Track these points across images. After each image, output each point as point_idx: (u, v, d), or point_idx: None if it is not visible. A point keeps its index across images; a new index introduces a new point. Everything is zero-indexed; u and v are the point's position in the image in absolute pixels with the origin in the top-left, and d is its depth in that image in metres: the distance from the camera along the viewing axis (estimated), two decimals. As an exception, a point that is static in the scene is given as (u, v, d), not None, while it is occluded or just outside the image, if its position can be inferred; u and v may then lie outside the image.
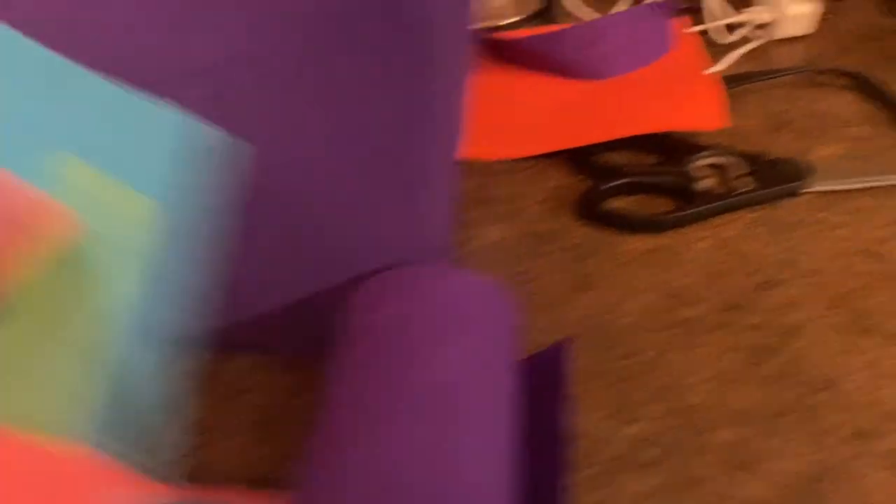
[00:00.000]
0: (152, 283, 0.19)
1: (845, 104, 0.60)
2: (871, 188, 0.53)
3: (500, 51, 0.64)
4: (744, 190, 0.52)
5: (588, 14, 0.71)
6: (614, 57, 0.59)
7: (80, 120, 0.17)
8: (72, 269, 0.15)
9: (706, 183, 0.53)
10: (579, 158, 0.55)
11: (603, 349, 0.44)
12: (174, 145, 0.20)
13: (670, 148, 0.55)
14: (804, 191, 0.52)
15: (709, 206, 0.51)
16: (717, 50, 0.67)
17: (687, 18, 0.67)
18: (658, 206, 0.53)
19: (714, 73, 0.60)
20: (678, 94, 0.56)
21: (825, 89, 0.62)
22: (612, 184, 0.52)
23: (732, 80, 0.61)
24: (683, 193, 0.52)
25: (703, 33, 0.68)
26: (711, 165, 0.55)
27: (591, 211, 0.51)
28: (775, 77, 0.63)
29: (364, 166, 0.36)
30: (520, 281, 0.48)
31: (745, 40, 0.68)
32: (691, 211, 0.50)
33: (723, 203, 0.51)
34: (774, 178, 0.52)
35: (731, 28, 0.69)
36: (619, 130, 0.54)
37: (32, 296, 0.14)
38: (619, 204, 0.53)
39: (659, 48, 0.62)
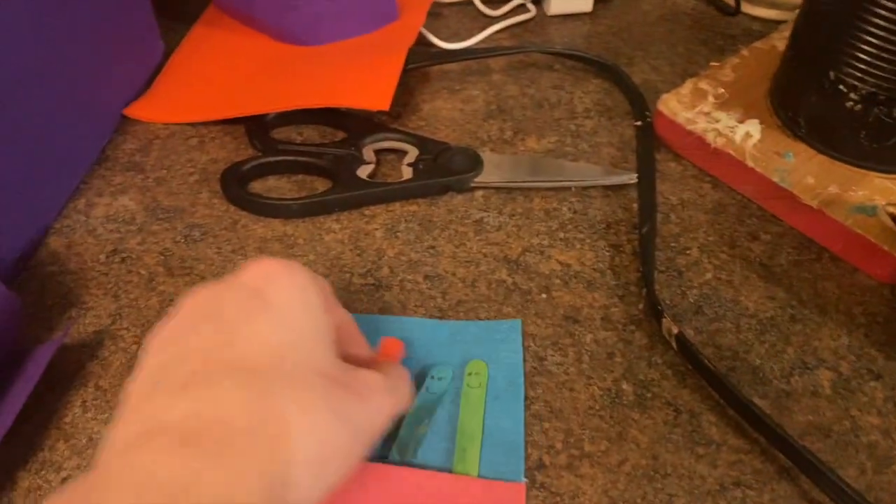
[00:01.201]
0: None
1: (584, 93, 0.54)
2: (549, 190, 0.47)
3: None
4: (402, 180, 0.46)
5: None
6: (317, 23, 0.53)
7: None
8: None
9: (368, 168, 0.47)
10: (257, 131, 0.50)
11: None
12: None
13: (356, 127, 0.50)
14: (471, 185, 0.47)
15: (351, 193, 0.45)
16: (484, 22, 0.61)
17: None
18: (316, 188, 0.47)
19: (400, 53, 0.52)
20: (355, 70, 0.50)
21: (574, 75, 0.56)
22: (259, 161, 0.47)
23: (457, 54, 0.55)
24: (341, 177, 0.46)
25: (470, 4, 0.62)
26: (389, 150, 0.49)
27: (229, 189, 0.46)
28: (502, 55, 0.56)
29: None
30: (114, 265, 0.43)
31: (517, 12, 0.62)
32: (327, 198, 0.45)
33: (367, 192, 0.45)
34: (442, 169, 0.47)
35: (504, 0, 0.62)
36: (293, 101, 0.49)
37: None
38: (274, 184, 0.48)
39: (373, 20, 0.55)
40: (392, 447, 0.34)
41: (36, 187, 0.44)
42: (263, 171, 0.48)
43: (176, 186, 0.47)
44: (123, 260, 0.43)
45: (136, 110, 0.51)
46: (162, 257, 0.43)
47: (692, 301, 0.41)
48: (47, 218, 0.44)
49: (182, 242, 0.44)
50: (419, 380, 0.37)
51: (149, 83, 0.54)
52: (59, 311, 0.40)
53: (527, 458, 0.35)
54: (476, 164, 0.47)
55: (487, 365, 0.38)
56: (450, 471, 0.34)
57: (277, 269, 0.29)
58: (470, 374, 0.38)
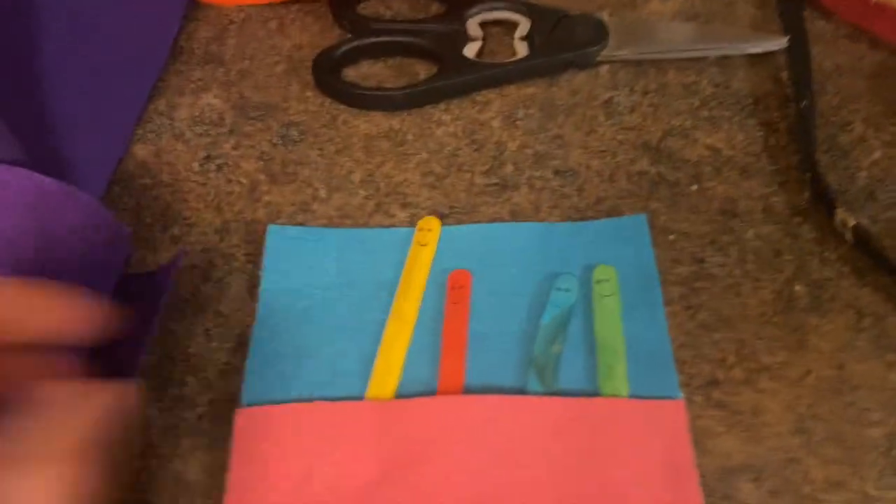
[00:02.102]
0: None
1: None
2: (684, 62, 0.41)
3: None
4: (517, 58, 0.40)
5: None
6: None
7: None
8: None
9: (476, 46, 0.41)
10: (343, 7, 0.44)
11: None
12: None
13: (452, -2, 0.43)
14: (597, 60, 0.41)
15: (462, 78, 0.40)
16: None
17: None
18: (416, 73, 0.42)
19: None
20: None
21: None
22: (352, 44, 0.42)
23: None
24: (446, 58, 0.41)
25: None
26: (496, 22, 0.43)
27: (322, 80, 0.41)
28: None
29: None
30: (211, 167, 0.39)
31: None
32: (435, 85, 0.40)
33: (479, 76, 0.40)
34: (562, 42, 0.41)
35: None
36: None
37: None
38: (368, 69, 0.42)
39: None
40: (529, 373, 0.31)
41: (113, 90, 0.40)
42: (357, 56, 0.42)
43: (262, 79, 0.42)
44: (219, 168, 0.39)
45: (204, -9, 0.45)
46: (261, 162, 0.39)
47: (862, 185, 0.37)
48: (129, 123, 0.40)
49: (280, 144, 0.39)
50: (541, 291, 0.34)
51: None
52: (160, 228, 0.37)
53: (697, 374, 0.32)
54: (600, 34, 0.41)
55: (616, 270, 0.34)
56: (596, 392, 0.31)
57: None
58: (598, 281, 0.34)
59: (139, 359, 0.30)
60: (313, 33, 0.44)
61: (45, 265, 0.29)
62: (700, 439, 0.30)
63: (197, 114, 0.41)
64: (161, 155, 0.39)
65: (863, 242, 0.34)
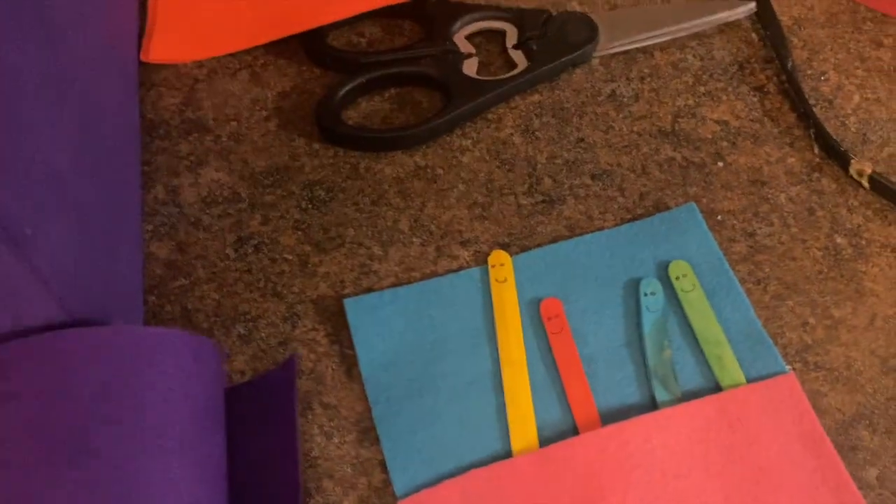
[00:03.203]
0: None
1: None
2: (664, 43, 0.43)
3: None
4: (522, 69, 0.40)
5: None
6: None
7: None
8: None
9: (473, 63, 0.41)
10: (311, 44, 0.41)
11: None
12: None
13: (434, 12, 0.42)
14: (594, 56, 0.42)
15: (475, 101, 0.39)
16: None
17: None
18: (419, 101, 0.41)
19: None
20: None
21: None
22: (352, 84, 0.40)
23: None
24: (451, 82, 0.40)
25: None
26: (480, 33, 0.43)
27: (331, 132, 0.39)
28: None
29: None
30: (246, 253, 0.36)
31: None
32: (452, 114, 0.39)
33: (491, 95, 0.39)
34: (559, 44, 0.41)
35: None
36: (363, 4, 0.40)
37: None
38: (368, 107, 0.41)
39: None
40: (653, 384, 0.33)
41: (99, 194, 0.35)
42: (355, 96, 0.40)
43: (260, 140, 0.39)
44: (257, 248, 0.36)
45: (155, 51, 0.41)
46: (299, 232, 0.37)
47: (854, 130, 0.40)
48: (133, 224, 0.36)
49: (311, 208, 0.37)
50: (629, 298, 0.35)
51: (143, 4, 0.42)
52: (222, 331, 0.34)
53: (789, 343, 0.35)
54: (592, 30, 0.41)
55: (689, 263, 0.36)
56: (717, 386, 0.33)
57: None
58: (677, 278, 0.36)
59: (298, 471, 0.29)
60: (292, 76, 0.41)
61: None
62: (813, 403, 0.33)
63: (205, 194, 0.37)
64: (186, 249, 0.36)
65: (879, 186, 0.38)
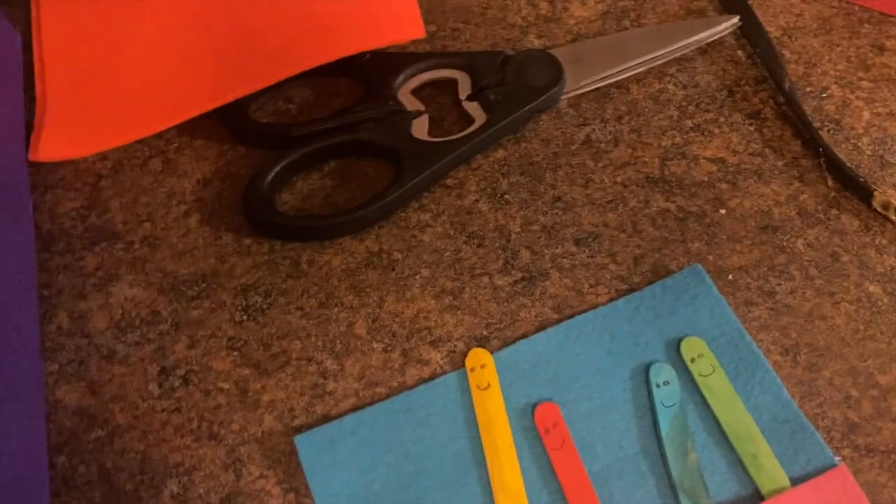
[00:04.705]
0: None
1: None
2: (640, 74, 0.37)
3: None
4: (478, 125, 0.34)
5: None
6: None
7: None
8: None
9: (423, 122, 0.35)
10: (231, 119, 0.35)
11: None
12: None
13: (369, 68, 0.36)
14: (561, 97, 0.36)
15: (430, 170, 0.33)
16: None
17: None
18: (365, 173, 0.35)
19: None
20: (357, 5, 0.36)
21: None
22: (285, 162, 0.33)
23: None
24: (399, 147, 0.34)
25: None
26: (429, 85, 0.37)
27: (262, 221, 0.33)
28: None
29: None
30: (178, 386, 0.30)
31: None
32: (404, 188, 0.33)
33: (448, 159, 0.33)
34: (520, 90, 0.35)
35: None
36: (285, 67, 0.34)
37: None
38: (305, 186, 0.34)
39: None
40: (679, 501, 0.27)
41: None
42: (289, 175, 0.34)
43: (179, 241, 0.33)
44: (185, 380, 0.30)
45: (45, 147, 0.34)
46: (235, 352, 0.30)
47: (870, 153, 0.35)
48: (33, 366, 0.30)
49: (247, 320, 0.31)
50: (638, 391, 0.29)
51: (32, 97, 0.36)
52: (150, 491, 0.28)
53: (832, 424, 0.29)
54: (556, 69, 0.35)
55: (704, 339, 0.30)
56: (757, 493, 0.27)
57: None
58: (692, 359, 0.30)
59: None
60: (212, 159, 0.35)
61: None
62: (872, 498, 0.27)
63: (118, 317, 0.31)
64: (99, 390, 0.30)
65: (910, 219, 0.32)
